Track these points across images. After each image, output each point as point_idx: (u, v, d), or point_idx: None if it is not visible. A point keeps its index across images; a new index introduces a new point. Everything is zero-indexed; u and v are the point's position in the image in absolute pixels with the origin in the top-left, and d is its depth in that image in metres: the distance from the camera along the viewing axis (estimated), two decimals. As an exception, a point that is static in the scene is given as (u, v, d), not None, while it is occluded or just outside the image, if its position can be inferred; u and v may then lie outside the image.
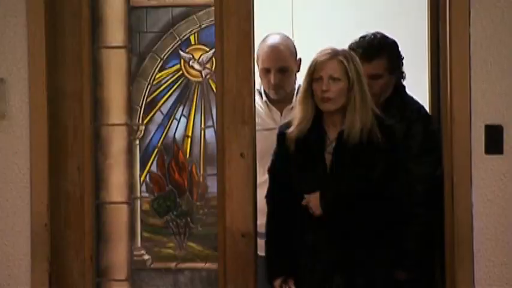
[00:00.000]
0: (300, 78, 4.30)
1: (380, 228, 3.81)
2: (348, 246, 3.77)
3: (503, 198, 3.78)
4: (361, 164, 3.73)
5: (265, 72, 4.56)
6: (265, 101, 4.62)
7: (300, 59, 4.65)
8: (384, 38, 4.25)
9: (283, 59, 4.58)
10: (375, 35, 4.26)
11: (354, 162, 3.75)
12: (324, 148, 3.84)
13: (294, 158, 3.89)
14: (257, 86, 4.45)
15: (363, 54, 4.07)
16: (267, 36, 4.68)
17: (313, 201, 3.77)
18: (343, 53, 3.84)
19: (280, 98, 4.61)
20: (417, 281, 4.14)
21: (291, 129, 3.87)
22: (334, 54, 3.80)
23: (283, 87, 4.56)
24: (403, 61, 4.32)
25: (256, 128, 4.18)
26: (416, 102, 4.31)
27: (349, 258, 3.77)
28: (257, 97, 4.49)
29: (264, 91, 4.66)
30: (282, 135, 3.96)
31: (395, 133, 3.90)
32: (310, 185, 3.85)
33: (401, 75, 4.31)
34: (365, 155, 3.74)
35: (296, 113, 3.92)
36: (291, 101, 4.58)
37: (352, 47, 4.20)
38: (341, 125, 3.80)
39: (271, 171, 4.06)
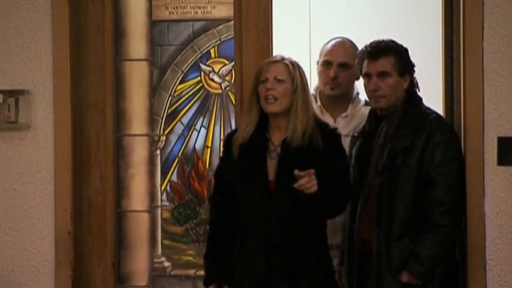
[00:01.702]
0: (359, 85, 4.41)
1: (323, 230, 3.85)
2: (295, 252, 3.77)
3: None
4: (305, 168, 3.68)
5: (326, 65, 4.41)
6: (320, 106, 4.46)
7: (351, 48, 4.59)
8: (391, 41, 4.08)
9: (346, 55, 4.46)
10: (383, 39, 4.12)
11: (298, 166, 3.69)
12: (267, 153, 3.85)
13: (238, 165, 3.88)
14: (312, 91, 4.38)
15: (369, 52, 3.98)
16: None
17: (309, 179, 3.65)
18: (289, 59, 3.84)
19: (337, 97, 4.46)
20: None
21: (237, 134, 3.89)
22: (281, 59, 3.82)
23: (341, 84, 4.41)
24: (415, 69, 4.12)
25: None
26: (434, 112, 4.10)
27: (296, 263, 3.77)
28: (313, 100, 4.46)
29: (319, 95, 4.52)
30: (228, 141, 3.95)
31: (337, 138, 3.90)
32: (253, 191, 3.82)
33: (413, 83, 4.11)
34: (307, 159, 3.73)
35: (242, 119, 3.96)
36: (345, 109, 4.44)
37: (361, 50, 4.11)
38: (285, 130, 3.81)
39: (216, 176, 4.04)
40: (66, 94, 4.16)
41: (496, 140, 3.79)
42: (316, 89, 4.42)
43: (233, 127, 4.27)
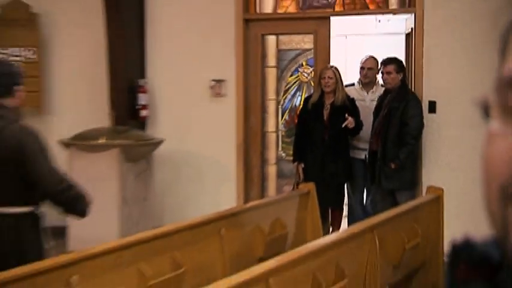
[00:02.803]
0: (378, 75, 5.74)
1: (348, 144, 5.38)
2: (336, 153, 5.31)
3: (436, 134, 5.69)
4: (342, 116, 5.19)
5: (362, 69, 5.72)
6: (361, 87, 5.75)
7: (378, 65, 5.73)
8: (395, 57, 5.47)
9: (371, 64, 5.74)
10: (392, 56, 5.51)
11: (338, 114, 5.23)
12: (323, 108, 5.37)
13: (310, 112, 5.35)
14: (357, 79, 5.84)
15: (382, 62, 5.41)
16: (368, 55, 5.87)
17: (351, 121, 5.19)
18: (334, 67, 5.31)
19: (368, 83, 5.72)
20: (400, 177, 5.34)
21: (311, 99, 5.36)
22: (331, 67, 5.36)
23: (369, 77, 5.70)
24: (405, 70, 5.50)
25: (355, 97, 5.58)
26: (411, 91, 5.57)
27: (334, 155, 5.31)
28: (357, 84, 5.81)
29: (360, 81, 5.76)
30: (306, 101, 5.51)
31: (354, 102, 5.40)
32: (312, 128, 5.30)
33: (404, 77, 5.44)
34: (342, 111, 5.20)
35: (314, 91, 5.43)
36: (372, 88, 5.73)
37: (381, 61, 5.49)
38: (332, 97, 5.33)
39: (298, 117, 5.57)
40: (240, 82, 6.15)
41: (427, 102, 5.74)
42: (359, 79, 5.83)
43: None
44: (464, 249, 0.54)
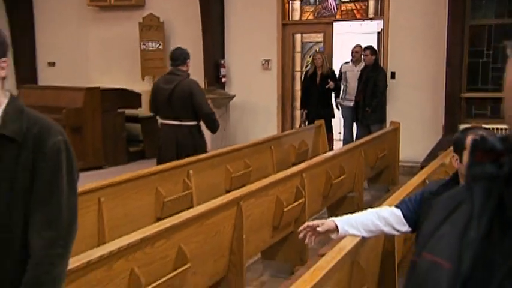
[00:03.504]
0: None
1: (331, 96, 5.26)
2: (322, 101, 5.16)
3: (395, 91, 5.41)
4: (326, 81, 5.18)
5: (352, 52, 5.47)
6: (352, 63, 5.49)
7: (362, 49, 5.41)
8: (371, 45, 5.31)
9: (357, 49, 5.46)
10: (368, 45, 5.32)
11: (324, 80, 5.19)
12: (316, 76, 5.31)
13: (308, 80, 5.28)
14: (350, 59, 5.54)
15: (364, 48, 5.23)
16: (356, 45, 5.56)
17: (332, 84, 5.19)
18: (322, 52, 5.37)
19: (355, 60, 5.45)
20: (373, 118, 5.13)
21: (309, 71, 5.31)
22: (319, 52, 5.41)
23: (356, 57, 5.41)
24: (377, 53, 5.31)
25: (348, 69, 5.41)
26: (381, 66, 5.36)
27: (322, 104, 5.18)
28: (350, 61, 5.52)
29: (351, 59, 5.50)
30: (306, 73, 5.44)
31: (334, 73, 5.34)
32: (310, 88, 5.23)
33: (377, 57, 5.23)
34: (327, 78, 5.19)
35: (310, 67, 5.35)
36: (359, 63, 5.40)
37: (363, 47, 5.30)
38: (320, 70, 5.25)
39: (302, 83, 5.45)
40: (279, 61, 6.02)
41: (390, 72, 5.48)
42: (351, 59, 5.54)
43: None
44: (480, 143, 0.52)
